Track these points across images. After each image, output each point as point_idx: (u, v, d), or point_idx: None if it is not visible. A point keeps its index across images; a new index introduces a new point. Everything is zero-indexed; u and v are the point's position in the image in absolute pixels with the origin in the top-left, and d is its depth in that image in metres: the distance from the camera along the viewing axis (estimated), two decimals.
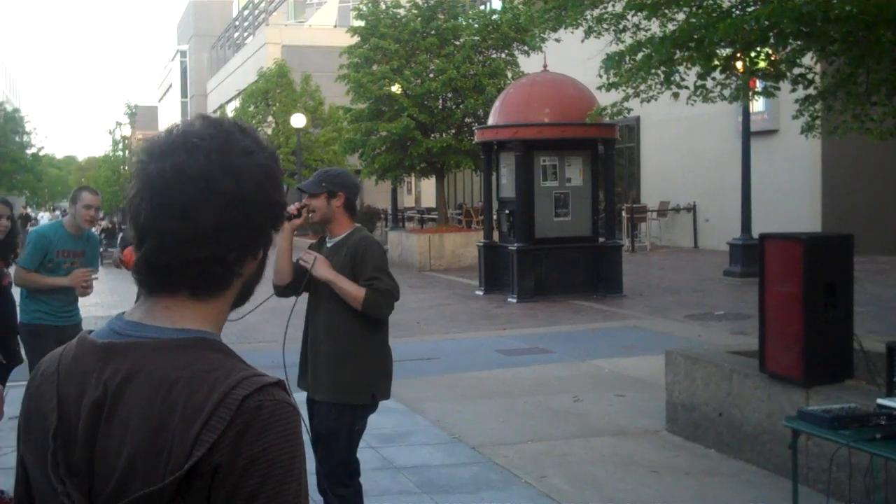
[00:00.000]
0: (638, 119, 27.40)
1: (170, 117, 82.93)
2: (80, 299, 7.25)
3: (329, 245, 5.00)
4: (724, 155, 23.35)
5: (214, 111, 59.77)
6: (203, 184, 1.51)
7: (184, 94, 78.72)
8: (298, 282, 4.98)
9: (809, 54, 10.00)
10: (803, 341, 6.37)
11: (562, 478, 6.97)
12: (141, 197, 1.55)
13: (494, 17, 25.77)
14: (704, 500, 6.49)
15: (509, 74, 25.33)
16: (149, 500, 1.41)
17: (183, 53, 79.75)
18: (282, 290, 5.08)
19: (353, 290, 4.77)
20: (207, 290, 1.56)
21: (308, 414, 5.01)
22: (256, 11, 61.27)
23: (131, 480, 1.43)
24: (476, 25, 25.77)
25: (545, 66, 18.47)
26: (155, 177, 1.54)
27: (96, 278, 7.15)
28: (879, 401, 4.93)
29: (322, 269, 4.83)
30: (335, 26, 51.55)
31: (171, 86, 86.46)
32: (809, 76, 10.38)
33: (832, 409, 4.79)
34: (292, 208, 4.93)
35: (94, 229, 7.92)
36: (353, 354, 4.81)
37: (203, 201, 1.51)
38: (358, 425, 4.92)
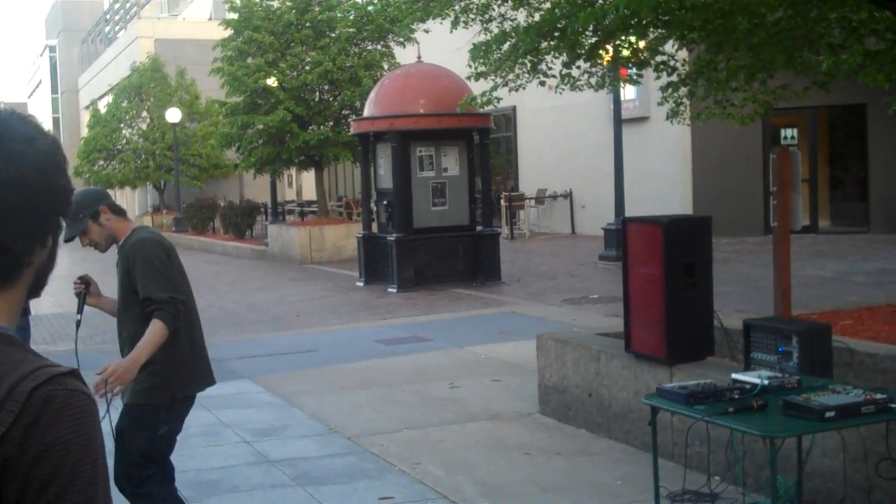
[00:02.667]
0: (514, 108, 27.70)
1: (40, 114, 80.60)
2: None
3: (118, 253, 4.98)
4: (598, 142, 23.77)
5: (87, 107, 58.38)
6: None
7: (54, 90, 76.56)
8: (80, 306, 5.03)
9: (671, 41, 10.25)
10: (665, 321, 6.55)
11: (436, 464, 7.03)
12: None
13: (370, 8, 25.71)
14: (575, 478, 6.62)
15: (385, 66, 25.32)
16: None
17: (52, 48, 77.48)
18: None
19: (154, 338, 4.63)
20: None
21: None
22: (128, 4, 59.89)
23: None
24: (351, 17, 25.68)
25: (419, 57, 18.54)
26: None
27: None
28: (734, 375, 5.10)
29: (122, 376, 4.54)
30: (210, 19, 50.71)
31: (40, 82, 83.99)
32: (672, 63, 10.64)
33: (688, 385, 4.92)
34: (76, 289, 4.96)
35: None
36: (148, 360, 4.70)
37: None
38: (161, 429, 4.84)
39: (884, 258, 17.41)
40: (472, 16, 10.38)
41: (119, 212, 4.94)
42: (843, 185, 23.45)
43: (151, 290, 4.67)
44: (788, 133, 22.86)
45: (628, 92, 21.07)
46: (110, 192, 53.89)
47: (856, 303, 10.74)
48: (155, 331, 4.63)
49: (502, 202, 26.46)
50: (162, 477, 4.95)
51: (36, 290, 1.62)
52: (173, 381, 4.80)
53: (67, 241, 4.76)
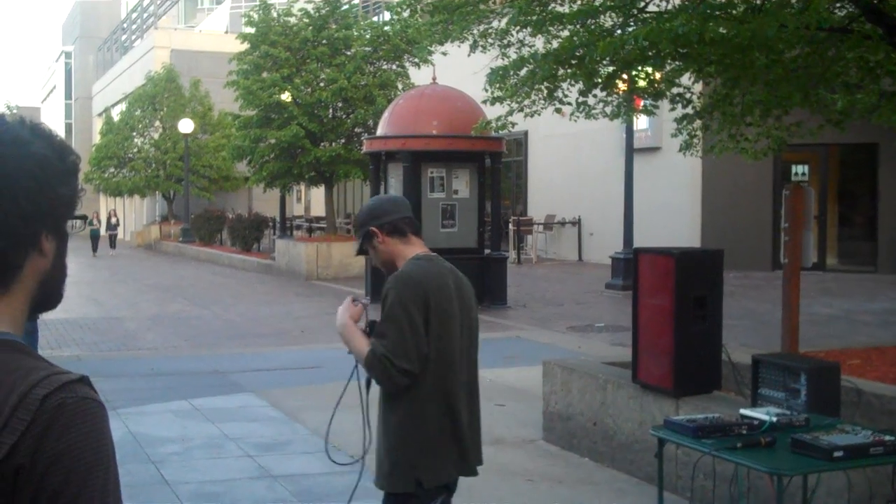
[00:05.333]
0: (526, 133, 27.76)
1: (53, 119, 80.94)
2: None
3: None
4: (609, 171, 23.81)
5: (100, 114, 58.58)
6: None
7: (68, 95, 76.88)
8: None
9: (687, 74, 10.29)
10: (673, 353, 6.55)
11: None
12: None
13: (386, 28, 25.85)
14: None
15: (400, 86, 25.43)
16: None
17: (68, 54, 77.87)
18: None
19: (358, 348, 3.85)
20: None
21: None
22: (145, 14, 60.26)
23: None
24: (368, 36, 25.80)
25: (434, 79, 18.60)
26: None
27: None
28: (742, 411, 5.09)
29: (340, 320, 3.94)
30: (226, 32, 50.99)
31: (54, 87, 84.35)
32: (687, 96, 10.68)
33: (696, 418, 4.92)
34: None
35: None
36: (390, 431, 3.85)
37: None
38: None
39: (891, 298, 17.37)
40: (490, 40, 10.44)
41: (397, 232, 4.00)
42: (852, 224, 23.43)
43: (377, 341, 3.77)
44: (799, 169, 22.82)
45: (640, 122, 21.10)
46: (118, 200, 53.76)
47: (863, 342, 10.73)
48: (358, 352, 3.86)
49: (510, 226, 26.48)
50: None
51: (45, 300, 1.60)
52: (417, 467, 3.80)
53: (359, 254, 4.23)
